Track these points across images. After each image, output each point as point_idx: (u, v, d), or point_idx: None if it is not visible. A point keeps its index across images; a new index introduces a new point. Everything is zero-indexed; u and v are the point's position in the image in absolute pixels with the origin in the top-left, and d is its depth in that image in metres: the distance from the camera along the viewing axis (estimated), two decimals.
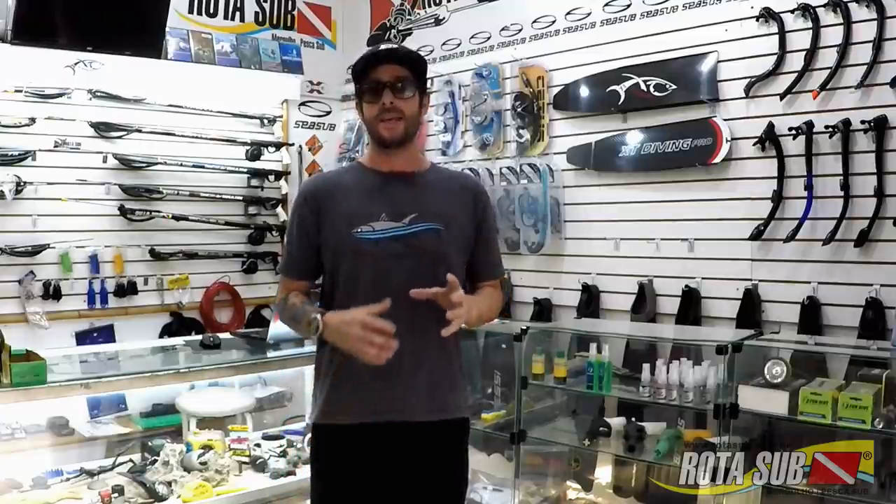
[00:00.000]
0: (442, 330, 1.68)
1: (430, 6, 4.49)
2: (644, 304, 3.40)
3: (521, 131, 3.89)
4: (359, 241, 1.80)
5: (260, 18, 4.72)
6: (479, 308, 1.86)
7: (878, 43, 2.74)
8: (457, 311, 1.68)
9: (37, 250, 3.84)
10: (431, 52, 4.38)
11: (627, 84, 3.46)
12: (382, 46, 1.93)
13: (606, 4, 3.61)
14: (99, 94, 4.01)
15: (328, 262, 1.87)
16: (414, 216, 1.83)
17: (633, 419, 3.02)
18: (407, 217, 1.83)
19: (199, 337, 3.22)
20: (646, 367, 2.90)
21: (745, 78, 3.10)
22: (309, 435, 3.05)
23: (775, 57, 3.01)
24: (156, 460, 2.81)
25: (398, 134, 1.83)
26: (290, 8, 4.86)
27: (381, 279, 1.79)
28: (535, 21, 3.91)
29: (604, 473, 3.29)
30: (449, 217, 1.87)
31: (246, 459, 2.96)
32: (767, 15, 3.03)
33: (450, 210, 1.88)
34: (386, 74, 1.81)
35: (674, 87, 3.32)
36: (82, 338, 3.99)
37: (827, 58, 2.88)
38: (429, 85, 2.01)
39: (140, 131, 4.13)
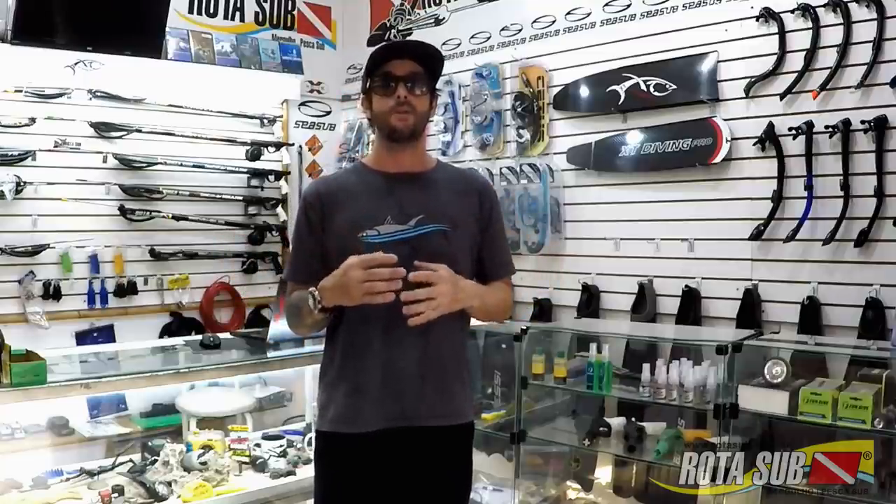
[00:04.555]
0: (409, 319, 1.65)
1: (430, 6, 4.48)
2: (644, 304, 3.40)
3: (521, 131, 3.89)
4: (365, 246, 1.76)
5: (260, 18, 4.72)
6: (481, 298, 1.83)
7: (878, 43, 2.74)
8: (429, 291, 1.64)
9: (37, 250, 3.84)
10: None
11: (627, 84, 3.46)
12: (401, 40, 1.89)
13: (606, 4, 3.61)
14: (99, 94, 4.01)
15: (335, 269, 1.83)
16: (420, 217, 1.81)
17: (633, 419, 3.02)
18: (413, 219, 1.80)
19: (199, 337, 3.21)
20: (646, 367, 2.89)
21: (745, 78, 3.10)
22: (309, 435, 3.06)
23: (775, 57, 3.01)
24: (156, 460, 2.81)
25: (409, 126, 1.81)
26: (290, 8, 4.86)
27: None
28: (535, 21, 3.91)
29: (604, 473, 3.28)
30: (456, 217, 1.84)
31: (246, 459, 2.96)
32: (767, 15, 3.03)
33: (456, 210, 1.86)
34: (401, 69, 1.79)
35: (674, 87, 3.32)
36: (82, 338, 3.99)
37: (827, 58, 2.88)
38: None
39: (140, 131, 4.14)
